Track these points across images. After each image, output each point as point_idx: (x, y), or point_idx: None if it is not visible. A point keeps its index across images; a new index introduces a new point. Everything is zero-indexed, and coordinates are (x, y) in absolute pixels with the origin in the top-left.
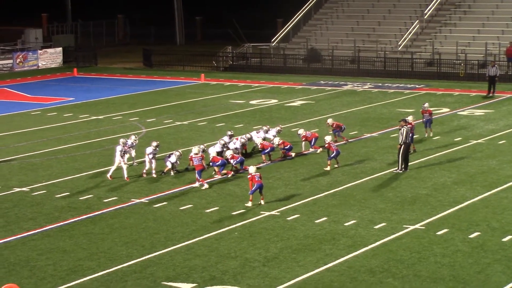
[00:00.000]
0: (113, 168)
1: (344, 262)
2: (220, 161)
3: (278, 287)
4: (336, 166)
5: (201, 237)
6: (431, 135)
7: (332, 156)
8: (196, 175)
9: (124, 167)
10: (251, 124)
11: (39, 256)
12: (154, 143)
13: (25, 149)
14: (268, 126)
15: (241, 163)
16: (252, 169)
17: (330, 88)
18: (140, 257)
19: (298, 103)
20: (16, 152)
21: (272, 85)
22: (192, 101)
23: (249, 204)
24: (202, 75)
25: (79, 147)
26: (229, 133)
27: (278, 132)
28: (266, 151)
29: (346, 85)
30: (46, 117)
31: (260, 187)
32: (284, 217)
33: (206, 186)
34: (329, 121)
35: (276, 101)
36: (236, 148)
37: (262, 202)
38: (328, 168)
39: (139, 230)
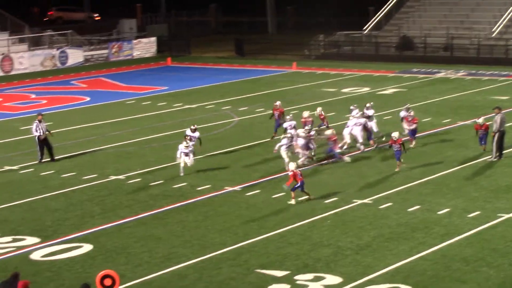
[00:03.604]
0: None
1: (437, 250)
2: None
3: (371, 275)
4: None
5: (294, 225)
6: (484, 149)
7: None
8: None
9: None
10: (343, 112)
11: (134, 243)
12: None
13: (120, 137)
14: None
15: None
16: (292, 166)
17: (422, 76)
18: (234, 245)
19: (390, 91)
20: (111, 141)
21: (364, 73)
22: (284, 90)
23: (293, 201)
24: (294, 63)
25: (172, 135)
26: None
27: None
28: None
29: (439, 72)
30: (141, 106)
31: (302, 185)
32: (377, 206)
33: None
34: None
35: (368, 89)
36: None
37: (310, 197)
38: (398, 169)
39: (232, 218)
